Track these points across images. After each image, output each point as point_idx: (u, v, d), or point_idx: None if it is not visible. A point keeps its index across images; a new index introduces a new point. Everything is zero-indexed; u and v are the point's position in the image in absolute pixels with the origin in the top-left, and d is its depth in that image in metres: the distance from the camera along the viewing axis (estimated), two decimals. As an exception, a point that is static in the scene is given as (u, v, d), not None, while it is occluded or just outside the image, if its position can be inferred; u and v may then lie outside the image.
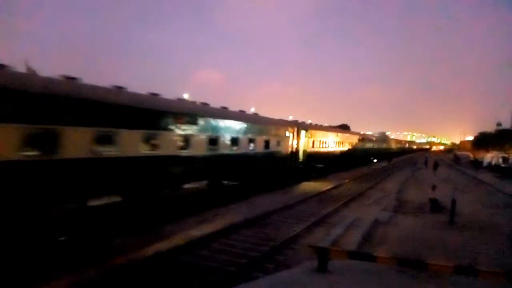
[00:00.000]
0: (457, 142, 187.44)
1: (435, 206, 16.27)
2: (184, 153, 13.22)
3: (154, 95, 13.15)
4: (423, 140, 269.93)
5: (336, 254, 7.43)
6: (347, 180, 27.04)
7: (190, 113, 13.87)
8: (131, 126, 10.85)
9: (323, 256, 7.19)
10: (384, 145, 66.38)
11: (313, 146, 27.92)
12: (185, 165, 13.37)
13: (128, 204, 11.25)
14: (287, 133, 23.19)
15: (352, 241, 10.80)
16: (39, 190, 8.49)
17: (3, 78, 8.10)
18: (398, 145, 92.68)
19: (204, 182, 15.57)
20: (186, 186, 14.23)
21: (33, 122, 8.27)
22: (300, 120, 28.58)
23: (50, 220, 8.82)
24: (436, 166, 39.72)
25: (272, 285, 6.56)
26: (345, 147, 38.58)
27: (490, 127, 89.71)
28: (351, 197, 18.94)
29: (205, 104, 16.38)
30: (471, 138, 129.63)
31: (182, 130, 13.02)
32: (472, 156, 72.63)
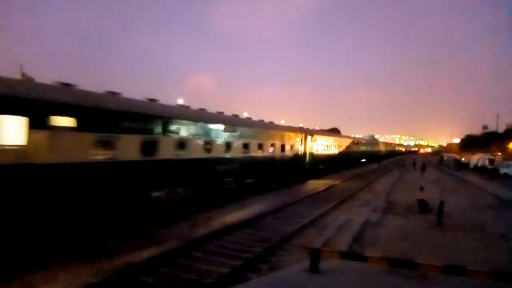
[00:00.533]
0: (445, 144, 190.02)
1: (423, 207, 16.53)
2: (228, 155, 16.99)
3: (202, 109, 16.98)
4: (411, 143, 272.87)
5: (328, 255, 7.54)
6: (339, 182, 27.83)
7: (235, 123, 17.97)
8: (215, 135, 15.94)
9: (315, 256, 7.29)
10: (374, 148, 67.14)
11: (317, 150, 31.45)
12: (229, 165, 17.28)
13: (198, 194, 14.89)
14: (297, 139, 26.68)
15: (344, 241, 10.93)
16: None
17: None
18: (387, 148, 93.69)
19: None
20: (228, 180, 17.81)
21: (145, 133, 11.73)
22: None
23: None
24: (424, 168, 40.29)
25: (265, 286, 6.63)
26: (341, 150, 41.26)
27: (477, 130, 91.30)
28: (349, 193, 21.62)
29: (235, 115, 20.27)
30: (458, 140, 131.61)
31: (226, 137, 16.74)
32: (459, 158, 73.83)
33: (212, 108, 17.88)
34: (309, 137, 28.86)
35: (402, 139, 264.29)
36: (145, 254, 9.18)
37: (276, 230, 12.49)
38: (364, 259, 7.28)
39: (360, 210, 16.57)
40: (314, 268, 7.24)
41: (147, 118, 12.01)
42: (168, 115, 13.09)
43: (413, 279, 7.14)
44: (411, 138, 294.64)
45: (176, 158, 13.24)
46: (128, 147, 10.90)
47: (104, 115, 10.35)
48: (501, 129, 69.04)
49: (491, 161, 48.57)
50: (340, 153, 40.79)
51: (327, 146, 35.13)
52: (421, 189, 17.47)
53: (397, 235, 12.11)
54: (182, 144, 13.56)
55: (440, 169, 52.12)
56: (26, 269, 7.62)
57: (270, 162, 22.01)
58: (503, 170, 39.98)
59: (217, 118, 17.11)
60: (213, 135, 15.77)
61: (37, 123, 8.42)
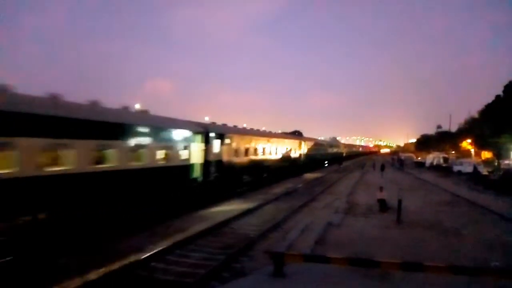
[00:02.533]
0: (402, 144, 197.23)
1: (383, 206, 17.01)
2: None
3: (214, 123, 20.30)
4: (371, 144, 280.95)
5: (291, 258, 7.58)
6: (301, 184, 27.89)
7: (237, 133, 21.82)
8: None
9: (279, 261, 7.30)
10: (335, 150, 68.55)
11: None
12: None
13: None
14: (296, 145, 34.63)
15: (307, 244, 11.00)
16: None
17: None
18: (348, 149, 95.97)
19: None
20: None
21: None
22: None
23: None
24: (383, 168, 41.61)
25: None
26: (307, 152, 43.48)
27: (432, 130, 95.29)
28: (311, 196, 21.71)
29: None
30: (414, 140, 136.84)
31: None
32: (415, 157, 76.88)
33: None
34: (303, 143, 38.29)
35: (362, 140, 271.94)
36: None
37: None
38: (327, 260, 7.38)
39: (322, 212, 16.79)
40: (278, 273, 7.25)
41: None
42: None
43: (374, 277, 7.30)
44: (371, 139, 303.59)
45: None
46: None
47: None
48: (453, 129, 72.52)
49: (445, 160, 51.03)
50: (307, 155, 42.94)
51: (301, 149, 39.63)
52: (381, 189, 17.97)
53: (358, 235, 12.35)
54: None
55: (398, 168, 53.99)
56: None
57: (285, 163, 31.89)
58: (456, 168, 42.05)
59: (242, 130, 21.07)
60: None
61: None
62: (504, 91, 41.73)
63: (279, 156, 31.60)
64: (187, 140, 16.44)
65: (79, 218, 10.45)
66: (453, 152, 65.95)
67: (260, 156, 26.70)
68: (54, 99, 10.67)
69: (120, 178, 12.19)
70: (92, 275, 8.15)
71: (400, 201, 14.93)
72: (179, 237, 11.53)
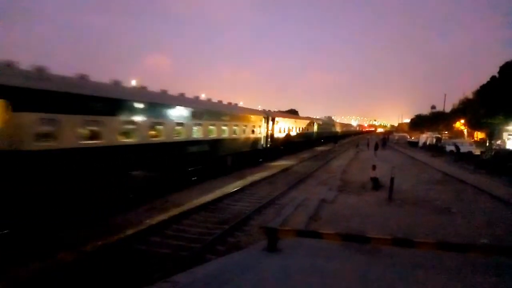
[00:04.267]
0: (396, 124, 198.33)
1: (376, 184, 17.26)
2: None
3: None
4: (365, 124, 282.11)
5: (285, 234, 7.71)
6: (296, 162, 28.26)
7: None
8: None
9: (272, 236, 7.43)
10: (331, 129, 68.98)
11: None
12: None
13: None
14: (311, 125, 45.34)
15: (301, 220, 11.20)
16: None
17: None
18: (343, 129, 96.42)
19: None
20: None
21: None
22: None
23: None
24: (377, 147, 41.90)
25: (223, 267, 6.67)
26: (317, 130, 52.02)
27: (426, 110, 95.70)
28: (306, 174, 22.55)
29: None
30: (408, 120, 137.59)
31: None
32: (409, 137, 77.42)
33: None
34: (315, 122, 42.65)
35: (357, 120, 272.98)
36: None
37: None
38: (319, 236, 7.51)
39: (316, 189, 17.01)
40: (272, 247, 7.38)
41: None
42: None
43: (366, 252, 7.47)
44: (366, 118, 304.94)
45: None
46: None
47: None
48: (448, 109, 72.78)
49: (438, 139, 51.43)
50: (306, 134, 45.52)
51: (300, 128, 41.39)
52: (374, 167, 18.17)
53: (351, 212, 12.58)
54: None
55: (392, 148, 54.44)
56: None
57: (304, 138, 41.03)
58: (449, 148, 42.43)
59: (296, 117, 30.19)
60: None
61: None
62: (499, 72, 41.72)
63: (301, 133, 41.83)
64: (260, 121, 27.51)
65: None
66: (446, 132, 66.44)
67: (291, 133, 36.94)
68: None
69: (235, 141, 22.58)
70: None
71: (392, 179, 15.14)
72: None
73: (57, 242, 8.79)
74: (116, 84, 13.39)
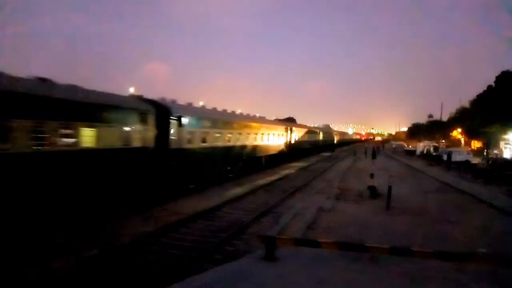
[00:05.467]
0: (393, 133, 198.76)
1: (373, 193, 17.25)
2: None
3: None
4: (363, 132, 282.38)
5: (282, 242, 7.70)
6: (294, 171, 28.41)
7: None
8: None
9: (270, 245, 7.41)
10: (328, 137, 69.10)
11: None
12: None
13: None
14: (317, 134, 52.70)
15: (299, 229, 11.17)
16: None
17: None
18: (340, 137, 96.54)
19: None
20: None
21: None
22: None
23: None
24: (374, 155, 41.94)
25: (221, 276, 6.65)
26: (322, 138, 59.01)
27: (423, 119, 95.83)
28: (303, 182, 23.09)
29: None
30: (405, 129, 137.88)
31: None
32: (406, 145, 77.58)
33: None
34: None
35: (355, 128, 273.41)
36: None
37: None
38: (317, 245, 7.51)
39: (314, 197, 17.00)
40: (269, 256, 7.36)
41: None
42: None
43: (364, 261, 7.46)
44: (363, 127, 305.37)
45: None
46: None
47: None
48: (445, 118, 73.04)
49: (436, 148, 51.55)
50: (309, 142, 49.42)
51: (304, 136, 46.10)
52: (371, 175, 18.19)
53: (348, 220, 12.57)
54: None
55: (389, 156, 54.53)
56: None
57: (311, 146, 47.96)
58: (446, 157, 42.52)
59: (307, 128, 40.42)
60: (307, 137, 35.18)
61: None
62: (496, 82, 42.06)
63: (310, 140, 49.29)
64: (283, 131, 35.33)
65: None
66: (443, 141, 66.64)
67: (302, 140, 44.24)
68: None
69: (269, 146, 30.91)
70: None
71: (390, 188, 15.15)
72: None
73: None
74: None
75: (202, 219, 12.63)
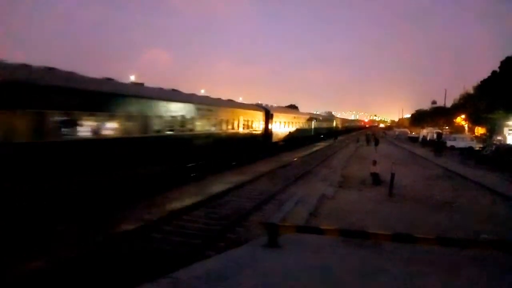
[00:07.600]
0: (396, 119, 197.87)
1: (376, 180, 17.23)
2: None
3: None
4: (366, 119, 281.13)
5: (285, 229, 7.72)
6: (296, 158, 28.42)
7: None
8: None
9: (273, 231, 7.43)
10: (331, 124, 68.82)
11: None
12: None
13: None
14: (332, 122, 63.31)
15: (301, 216, 11.19)
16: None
17: None
18: (345, 124, 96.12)
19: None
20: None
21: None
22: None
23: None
24: (377, 143, 41.89)
25: (224, 263, 6.67)
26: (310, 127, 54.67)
27: (426, 105, 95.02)
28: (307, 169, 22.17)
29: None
30: (408, 115, 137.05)
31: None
32: (409, 132, 77.33)
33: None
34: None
35: (358, 115, 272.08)
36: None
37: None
38: (319, 231, 7.52)
39: (317, 185, 16.99)
40: (272, 243, 7.39)
41: None
42: None
43: (366, 248, 7.48)
44: (366, 114, 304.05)
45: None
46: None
47: None
48: (448, 104, 72.46)
49: (439, 135, 51.37)
50: (310, 129, 48.46)
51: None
52: (374, 162, 18.14)
53: (351, 207, 12.58)
54: None
55: (392, 143, 54.44)
56: None
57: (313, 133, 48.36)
58: (449, 143, 42.39)
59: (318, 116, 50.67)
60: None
61: None
62: (500, 67, 41.63)
63: (325, 127, 58.49)
64: (311, 120, 46.58)
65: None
66: (447, 127, 66.35)
67: (321, 127, 53.99)
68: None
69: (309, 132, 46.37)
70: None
71: (392, 175, 15.12)
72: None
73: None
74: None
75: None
